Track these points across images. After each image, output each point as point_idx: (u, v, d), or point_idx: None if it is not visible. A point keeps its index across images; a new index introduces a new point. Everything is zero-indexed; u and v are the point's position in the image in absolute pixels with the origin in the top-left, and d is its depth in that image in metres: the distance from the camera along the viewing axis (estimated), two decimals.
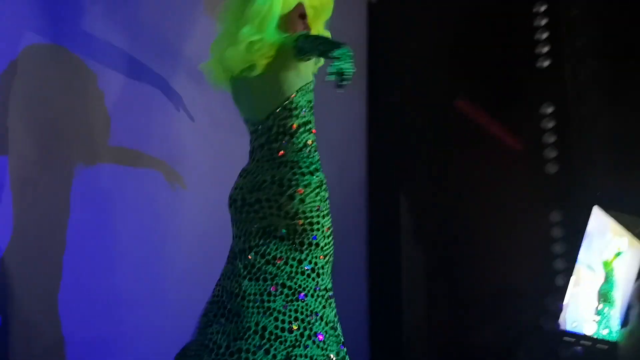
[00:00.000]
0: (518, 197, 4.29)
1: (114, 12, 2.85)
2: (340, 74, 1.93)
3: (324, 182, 2.29)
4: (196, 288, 2.63)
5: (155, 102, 3.03)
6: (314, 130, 2.32)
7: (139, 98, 2.96)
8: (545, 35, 4.25)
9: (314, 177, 2.26)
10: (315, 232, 2.25)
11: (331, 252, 2.31)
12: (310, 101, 2.31)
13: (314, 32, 2.49)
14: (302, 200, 2.22)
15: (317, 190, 2.25)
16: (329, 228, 2.29)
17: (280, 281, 2.18)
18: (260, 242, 2.24)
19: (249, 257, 2.22)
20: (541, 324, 3.86)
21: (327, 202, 2.30)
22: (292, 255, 2.22)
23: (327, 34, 2.54)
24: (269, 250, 2.23)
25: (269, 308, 2.14)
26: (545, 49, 4.25)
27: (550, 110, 4.19)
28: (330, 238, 2.30)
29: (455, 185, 4.72)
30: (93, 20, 2.75)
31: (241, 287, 2.18)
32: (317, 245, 2.25)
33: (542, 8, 4.28)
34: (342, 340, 2.27)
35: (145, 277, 2.94)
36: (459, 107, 5.07)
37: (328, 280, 2.29)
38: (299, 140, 2.29)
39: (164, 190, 3.01)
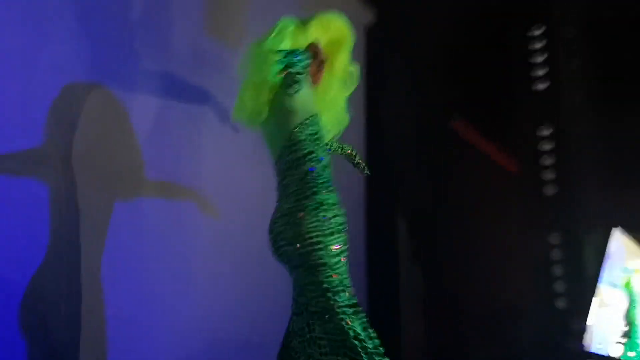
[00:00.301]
0: (516, 219, 4.31)
1: (149, 51, 2.93)
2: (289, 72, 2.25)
3: (328, 201, 2.31)
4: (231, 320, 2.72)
5: (186, 136, 3.13)
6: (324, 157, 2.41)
7: (170, 131, 3.04)
8: (542, 58, 4.29)
9: (313, 200, 2.28)
10: (319, 252, 2.26)
11: (344, 269, 2.28)
12: (313, 133, 2.36)
13: (339, 64, 2.59)
14: (299, 225, 2.27)
15: (315, 211, 2.27)
16: (338, 246, 2.27)
17: (311, 309, 2.24)
18: (292, 276, 2.36)
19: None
20: (566, 344, 3.83)
21: (334, 220, 2.29)
22: (309, 281, 2.26)
23: (353, 67, 2.62)
24: (296, 282, 2.33)
25: (310, 338, 2.22)
26: (542, 72, 4.28)
27: (547, 132, 4.21)
28: (340, 257, 2.27)
29: (453, 206, 4.74)
30: (128, 57, 2.83)
31: (291, 323, 2.32)
32: (325, 264, 2.25)
33: (539, 31, 4.32)
34: (381, 351, 2.23)
35: (181, 306, 2.98)
36: (455, 128, 5.10)
37: (347, 297, 2.25)
38: (300, 170, 2.35)
39: (198, 221, 3.09)
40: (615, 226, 4.21)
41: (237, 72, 2.49)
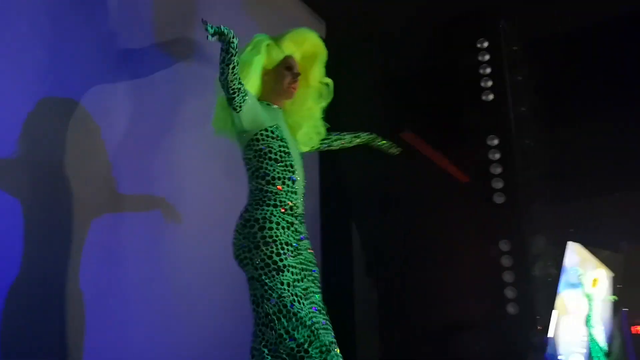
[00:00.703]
0: (467, 227, 4.38)
1: (118, 68, 2.95)
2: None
3: (254, 217, 2.32)
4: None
5: (157, 148, 3.14)
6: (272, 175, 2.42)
7: (141, 147, 3.04)
8: (488, 70, 4.41)
9: (243, 218, 2.37)
10: (246, 267, 2.32)
11: (272, 284, 2.23)
12: (259, 150, 2.40)
13: (313, 77, 2.67)
14: (233, 243, 2.39)
15: (241, 229, 2.36)
16: (261, 260, 2.26)
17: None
18: None
19: None
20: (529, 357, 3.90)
21: (261, 234, 2.29)
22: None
23: (328, 80, 2.71)
24: None
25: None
26: (489, 83, 4.40)
27: (495, 142, 4.32)
28: (266, 270, 2.25)
29: (405, 218, 4.79)
30: (99, 74, 2.85)
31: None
32: (253, 278, 2.29)
33: (485, 44, 4.44)
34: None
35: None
36: (405, 139, 5.17)
37: (272, 305, 2.22)
38: (251, 185, 2.44)
39: (166, 230, 3.10)
40: (562, 232, 4.36)
41: (215, 87, 2.51)
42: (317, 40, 2.67)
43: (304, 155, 2.68)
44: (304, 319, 2.19)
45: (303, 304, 2.26)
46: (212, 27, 2.15)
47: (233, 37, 2.23)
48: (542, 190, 4.41)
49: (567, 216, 4.52)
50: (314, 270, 2.43)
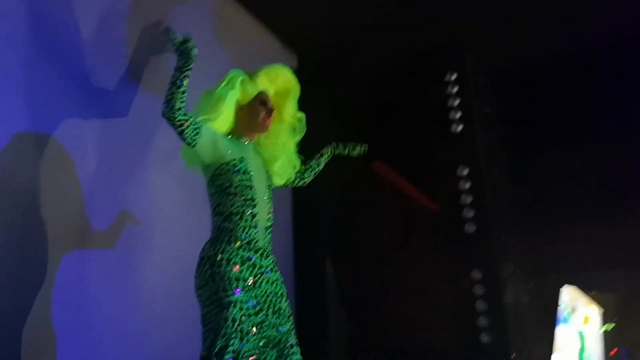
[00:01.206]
0: (439, 257, 4.42)
1: (92, 101, 2.95)
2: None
3: (207, 255, 2.34)
4: None
5: (130, 182, 3.13)
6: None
7: (114, 180, 3.03)
8: (457, 102, 4.51)
9: (199, 256, 2.38)
10: (200, 305, 2.33)
11: (214, 320, 2.23)
12: (219, 185, 2.42)
13: (287, 112, 2.71)
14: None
15: (197, 267, 2.37)
16: (208, 297, 2.28)
17: None
18: None
19: None
20: None
21: (210, 271, 2.30)
22: None
23: (300, 114, 2.76)
24: None
25: None
26: (458, 115, 4.49)
27: (465, 172, 4.39)
28: (211, 307, 2.26)
29: (377, 248, 4.80)
30: (72, 107, 2.83)
31: None
32: (202, 316, 2.31)
33: (453, 76, 4.55)
34: None
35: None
36: (375, 168, 5.21)
37: (215, 344, 2.19)
38: (212, 222, 2.45)
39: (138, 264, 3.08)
40: (533, 260, 4.42)
41: None
42: (290, 76, 2.72)
43: (274, 190, 2.69)
44: None
45: (248, 340, 2.23)
46: (176, 33, 2.28)
47: (193, 49, 2.31)
48: (512, 219, 4.48)
49: (538, 244, 4.59)
50: (279, 302, 2.40)
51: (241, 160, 2.46)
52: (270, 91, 2.65)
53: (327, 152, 2.99)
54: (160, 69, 3.52)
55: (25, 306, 2.46)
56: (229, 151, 2.44)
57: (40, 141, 2.65)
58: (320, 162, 2.99)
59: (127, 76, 3.25)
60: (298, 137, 2.76)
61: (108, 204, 2.96)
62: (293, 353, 2.36)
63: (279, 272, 2.48)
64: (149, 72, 3.44)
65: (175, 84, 2.28)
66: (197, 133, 2.34)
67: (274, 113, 2.63)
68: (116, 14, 3.25)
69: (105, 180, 2.96)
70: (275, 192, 2.77)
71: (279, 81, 2.68)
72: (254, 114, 2.56)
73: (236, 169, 2.43)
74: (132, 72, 3.30)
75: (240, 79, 2.54)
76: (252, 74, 2.61)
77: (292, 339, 2.40)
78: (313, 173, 2.96)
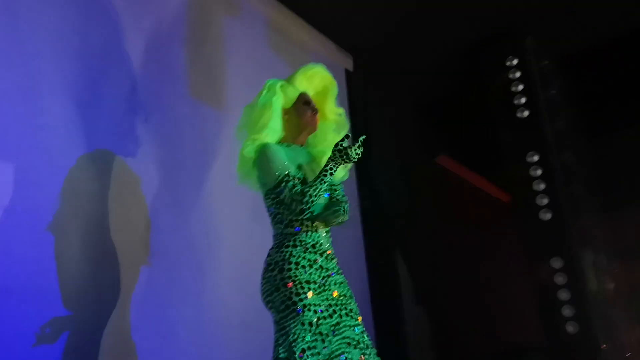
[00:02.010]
0: (516, 247, 4.29)
1: (150, 117, 3.05)
2: None
3: (274, 260, 2.34)
4: None
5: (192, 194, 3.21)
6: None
7: (176, 193, 3.11)
8: (520, 87, 4.38)
9: (265, 262, 2.38)
10: (271, 311, 2.33)
11: (291, 324, 2.22)
12: (276, 197, 2.39)
13: (328, 111, 2.66)
14: (260, 288, 2.40)
15: (264, 273, 2.37)
16: (282, 302, 2.26)
17: None
18: None
19: None
20: None
21: (280, 276, 2.29)
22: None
23: (341, 110, 2.70)
24: None
25: None
26: (523, 100, 4.36)
27: (535, 158, 4.25)
28: (286, 312, 2.24)
29: (450, 243, 4.72)
30: (132, 124, 2.94)
31: None
32: (275, 321, 2.30)
33: (515, 61, 4.42)
34: None
35: None
36: (441, 163, 5.14)
37: (285, 349, 2.20)
38: (273, 230, 2.46)
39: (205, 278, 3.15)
40: (615, 244, 4.23)
41: (236, 135, 2.55)
42: (326, 73, 2.68)
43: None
44: None
45: (330, 341, 2.23)
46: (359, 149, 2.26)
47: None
48: (590, 203, 4.31)
49: (620, 227, 4.39)
50: (349, 304, 2.38)
51: (298, 168, 2.46)
52: (310, 92, 2.63)
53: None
54: (218, 84, 3.60)
55: (103, 315, 2.57)
56: (288, 163, 2.43)
57: (105, 159, 2.76)
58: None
59: (186, 92, 3.34)
60: (343, 133, 2.65)
61: (172, 215, 3.03)
62: (371, 354, 2.35)
63: (343, 275, 2.46)
64: (208, 87, 3.53)
65: (322, 181, 2.30)
66: (295, 185, 2.35)
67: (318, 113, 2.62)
68: (172, 31, 3.35)
69: (168, 192, 3.03)
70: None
71: (316, 80, 2.65)
72: (301, 115, 2.55)
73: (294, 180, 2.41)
74: (192, 88, 3.39)
75: (279, 84, 2.54)
76: (289, 78, 2.61)
77: (367, 340, 2.38)
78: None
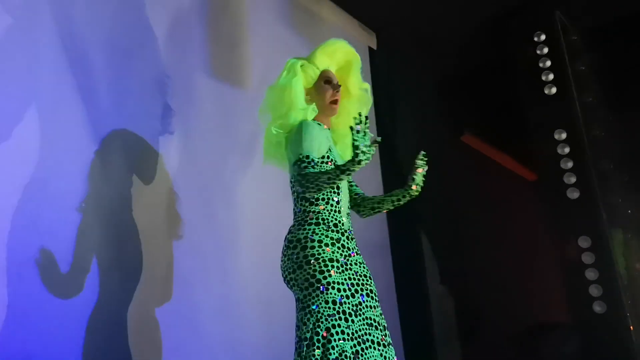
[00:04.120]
0: (543, 226, 4.24)
1: (173, 97, 3.04)
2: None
3: (297, 238, 2.31)
4: None
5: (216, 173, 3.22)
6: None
7: (199, 177, 3.12)
8: (548, 63, 4.28)
9: (286, 239, 2.36)
10: (293, 289, 2.32)
11: (315, 302, 2.20)
12: (302, 174, 2.32)
13: (352, 86, 2.61)
14: (280, 266, 2.39)
15: (285, 251, 2.35)
16: (305, 280, 2.24)
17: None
18: None
19: None
20: None
21: (303, 254, 2.27)
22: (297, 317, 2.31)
23: (366, 85, 2.65)
24: None
25: None
26: (550, 76, 4.27)
27: (563, 135, 4.17)
28: (310, 290, 2.22)
29: (475, 222, 4.68)
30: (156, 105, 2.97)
31: None
32: (298, 299, 2.28)
33: (542, 37, 4.33)
34: None
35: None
36: (466, 142, 5.08)
37: (309, 329, 2.19)
38: (295, 208, 2.42)
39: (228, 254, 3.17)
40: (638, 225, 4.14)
41: (258, 117, 2.54)
42: (348, 48, 2.62)
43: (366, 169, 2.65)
44: (335, 348, 2.13)
45: (352, 320, 2.22)
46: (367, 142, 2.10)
47: (365, 161, 2.12)
48: (620, 181, 4.22)
49: None
50: (369, 284, 2.36)
51: (329, 150, 2.44)
52: (332, 68, 2.58)
53: (395, 195, 2.60)
54: (240, 62, 3.58)
55: (127, 294, 2.60)
56: (316, 146, 2.39)
57: (128, 138, 2.78)
58: (383, 201, 2.61)
59: (208, 71, 3.32)
60: (366, 109, 2.65)
61: (196, 195, 3.04)
62: (387, 335, 2.33)
63: (362, 256, 2.44)
64: (231, 66, 3.51)
65: (329, 179, 2.22)
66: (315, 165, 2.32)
67: (341, 89, 2.55)
68: (193, 9, 3.33)
69: (192, 172, 3.05)
70: (365, 170, 2.70)
71: (338, 55, 2.59)
72: (321, 94, 2.50)
73: (325, 161, 2.41)
74: (214, 66, 3.37)
75: (299, 64, 2.49)
76: (309, 57, 2.56)
77: (384, 322, 2.36)
78: (369, 207, 2.63)
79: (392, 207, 2.62)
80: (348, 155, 2.53)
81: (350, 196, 2.61)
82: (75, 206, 2.49)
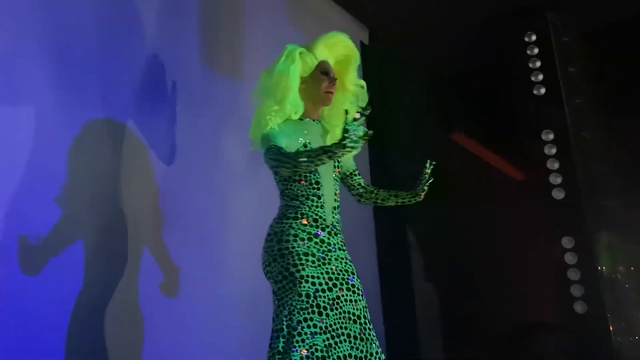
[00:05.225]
0: (528, 226, 4.27)
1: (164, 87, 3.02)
2: None
3: (274, 231, 2.33)
4: None
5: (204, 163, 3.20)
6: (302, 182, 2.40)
7: (188, 167, 3.10)
8: (538, 64, 4.31)
9: (267, 233, 2.38)
10: (269, 281, 2.33)
11: (288, 295, 2.22)
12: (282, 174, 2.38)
13: (348, 81, 2.58)
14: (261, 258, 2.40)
15: (264, 244, 2.36)
16: (279, 272, 2.26)
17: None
18: None
19: None
20: None
21: (278, 247, 2.29)
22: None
23: (362, 82, 2.63)
24: None
25: None
26: (540, 77, 4.30)
27: (551, 136, 4.20)
28: (283, 282, 2.24)
29: (462, 220, 4.70)
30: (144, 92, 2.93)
31: None
32: (273, 292, 2.30)
33: (533, 37, 4.35)
34: None
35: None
36: (456, 140, 5.10)
37: (281, 321, 2.20)
38: (280, 204, 2.43)
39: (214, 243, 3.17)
40: (629, 227, 4.18)
41: (251, 99, 2.52)
42: (348, 42, 2.60)
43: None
44: (305, 341, 2.13)
45: (327, 314, 2.21)
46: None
47: (351, 149, 2.09)
48: (607, 184, 4.25)
49: (635, 208, 4.34)
50: (350, 280, 2.35)
51: (305, 146, 2.41)
52: (331, 60, 2.55)
53: (401, 197, 2.67)
54: (234, 54, 3.58)
55: (111, 283, 2.60)
56: (294, 141, 2.39)
57: (117, 128, 2.77)
58: (387, 199, 2.67)
59: (201, 62, 3.31)
60: (361, 106, 2.58)
61: (184, 185, 3.04)
62: (371, 329, 2.33)
63: (346, 252, 2.44)
64: (224, 57, 3.50)
65: (309, 157, 2.20)
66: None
67: (337, 83, 2.53)
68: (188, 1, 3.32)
69: (181, 162, 3.03)
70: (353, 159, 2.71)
71: (338, 49, 2.57)
72: (317, 84, 2.47)
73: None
74: (207, 58, 3.36)
75: (299, 51, 2.47)
76: (310, 45, 2.53)
77: (368, 315, 2.37)
78: (372, 201, 2.70)
79: (394, 206, 2.68)
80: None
81: (353, 185, 2.67)
82: (57, 195, 2.46)
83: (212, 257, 3.15)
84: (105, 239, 2.61)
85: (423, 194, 2.67)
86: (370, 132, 2.09)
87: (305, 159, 2.21)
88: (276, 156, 2.28)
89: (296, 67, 2.43)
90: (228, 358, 3.00)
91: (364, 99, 2.64)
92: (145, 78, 2.96)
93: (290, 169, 2.29)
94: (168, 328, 2.79)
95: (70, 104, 2.58)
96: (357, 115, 2.09)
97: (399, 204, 2.67)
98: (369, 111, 2.15)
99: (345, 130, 2.06)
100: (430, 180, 2.67)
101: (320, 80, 2.48)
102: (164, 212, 2.93)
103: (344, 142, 2.05)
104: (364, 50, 4.68)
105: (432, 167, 2.67)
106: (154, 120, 2.95)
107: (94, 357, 2.47)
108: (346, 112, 2.20)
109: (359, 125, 2.07)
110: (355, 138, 2.05)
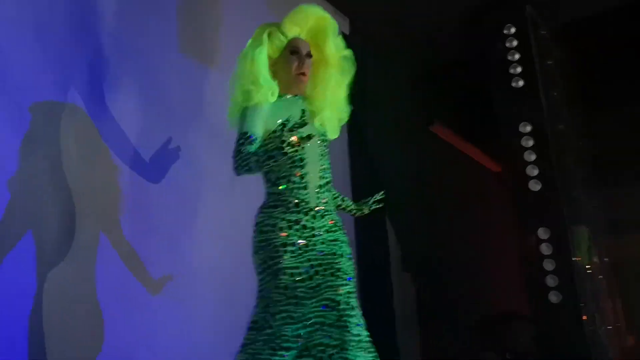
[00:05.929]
0: (504, 216, 4.31)
1: (129, 68, 2.92)
2: None
3: (255, 223, 2.29)
4: None
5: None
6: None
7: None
8: (517, 57, 4.34)
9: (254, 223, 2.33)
10: (256, 271, 2.28)
11: (266, 287, 2.20)
12: (265, 151, 2.23)
13: (329, 52, 2.43)
14: None
15: (253, 234, 2.30)
16: (259, 265, 2.24)
17: None
18: None
19: None
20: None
21: (257, 239, 2.25)
22: None
23: (346, 52, 2.47)
24: None
25: None
26: (519, 70, 4.33)
27: (528, 128, 4.24)
28: (263, 274, 2.22)
29: (438, 210, 4.73)
30: (110, 75, 2.83)
31: None
32: (258, 283, 2.27)
33: (512, 30, 4.38)
34: None
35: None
36: (435, 131, 5.13)
37: (258, 311, 2.20)
38: (264, 182, 2.36)
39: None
40: (603, 218, 4.24)
41: (229, 82, 2.41)
42: (319, 11, 2.39)
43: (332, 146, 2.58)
44: (275, 334, 2.13)
45: (304, 304, 2.16)
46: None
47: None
48: (582, 176, 4.31)
49: (611, 201, 4.41)
50: (337, 263, 2.24)
51: (284, 125, 2.30)
52: (303, 35, 2.39)
53: (346, 205, 2.64)
54: (210, 40, 3.52)
55: (66, 274, 2.51)
56: (272, 120, 2.29)
57: (83, 115, 2.68)
58: (342, 209, 2.64)
59: (173, 47, 3.22)
60: (347, 79, 2.45)
61: (154, 172, 2.98)
62: (352, 315, 2.18)
63: (340, 232, 2.31)
64: (199, 43, 3.41)
65: (257, 161, 2.19)
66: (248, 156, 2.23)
67: (317, 58, 2.39)
68: None
69: (151, 149, 2.95)
70: (333, 156, 2.59)
71: (310, 22, 2.39)
72: (288, 65, 2.33)
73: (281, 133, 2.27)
74: (182, 43, 3.28)
75: (267, 31, 2.33)
76: (279, 24, 2.37)
77: (353, 301, 2.22)
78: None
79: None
80: (330, 127, 2.44)
81: None
82: (11, 180, 2.35)
83: (178, 250, 3.04)
84: (63, 231, 2.51)
85: (367, 211, 2.68)
86: (313, 134, 2.14)
87: (256, 166, 2.19)
88: (235, 157, 2.23)
89: (262, 50, 2.29)
90: (193, 352, 2.94)
91: (349, 71, 2.46)
92: (112, 63, 2.83)
93: (244, 170, 2.23)
94: (137, 321, 2.72)
95: (30, 88, 2.47)
96: (295, 139, 2.12)
97: (341, 209, 2.59)
98: (310, 139, 2.14)
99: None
100: (379, 206, 2.68)
101: (290, 60, 2.34)
102: (128, 206, 2.82)
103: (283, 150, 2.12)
104: (344, 40, 4.66)
105: (382, 196, 2.68)
106: (119, 107, 2.84)
107: (51, 351, 2.38)
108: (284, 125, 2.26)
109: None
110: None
